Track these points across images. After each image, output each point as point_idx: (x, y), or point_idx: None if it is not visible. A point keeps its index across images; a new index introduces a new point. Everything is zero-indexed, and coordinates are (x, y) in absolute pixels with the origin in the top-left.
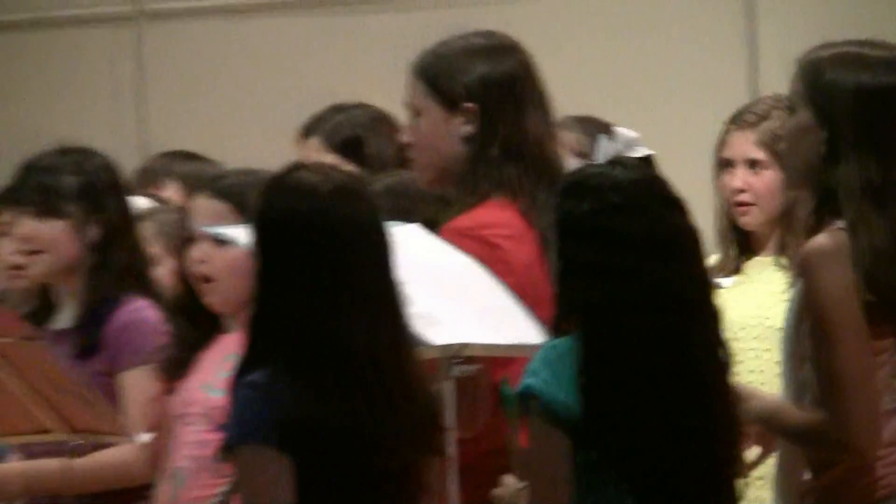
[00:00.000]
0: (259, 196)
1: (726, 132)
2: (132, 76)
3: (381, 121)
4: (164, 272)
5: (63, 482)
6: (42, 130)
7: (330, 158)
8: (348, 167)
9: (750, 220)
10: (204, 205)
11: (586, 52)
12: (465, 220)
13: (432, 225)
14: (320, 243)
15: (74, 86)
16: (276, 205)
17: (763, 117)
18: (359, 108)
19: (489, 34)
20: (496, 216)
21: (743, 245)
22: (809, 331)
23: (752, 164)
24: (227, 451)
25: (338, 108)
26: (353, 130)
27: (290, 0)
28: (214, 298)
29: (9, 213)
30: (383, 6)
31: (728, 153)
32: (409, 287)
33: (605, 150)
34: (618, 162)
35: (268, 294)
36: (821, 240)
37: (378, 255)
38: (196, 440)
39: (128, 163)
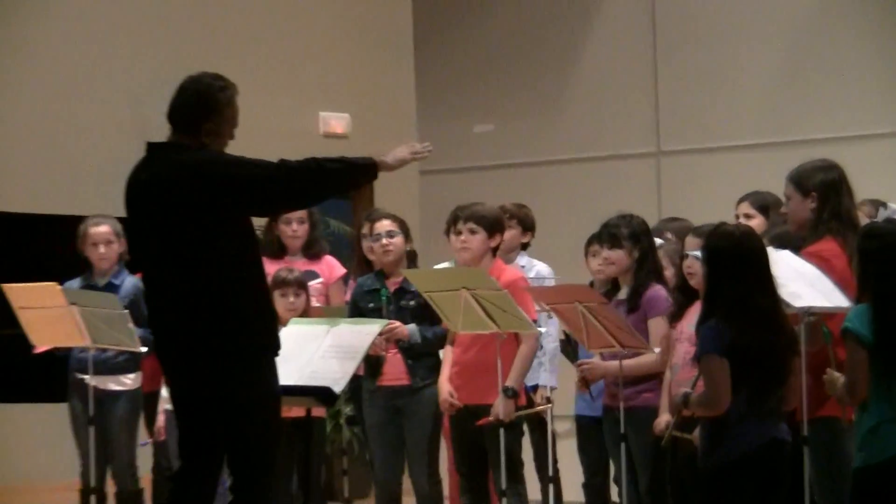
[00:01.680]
0: (707, 237)
1: None
2: (656, 192)
3: (778, 201)
4: (669, 274)
5: (618, 370)
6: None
7: (752, 212)
8: (759, 218)
9: None
10: (691, 240)
11: (874, 168)
12: (812, 248)
13: (797, 250)
14: (738, 260)
15: (622, 195)
16: (714, 241)
17: None
18: (769, 193)
19: (823, 160)
20: (828, 246)
21: None
22: None
23: None
24: (697, 357)
25: (759, 192)
26: (766, 202)
27: (761, 143)
28: (694, 283)
29: (595, 247)
30: (781, 147)
31: None
32: (782, 279)
33: (883, 215)
34: (891, 220)
35: (713, 282)
36: None
37: (764, 264)
38: (683, 351)
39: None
